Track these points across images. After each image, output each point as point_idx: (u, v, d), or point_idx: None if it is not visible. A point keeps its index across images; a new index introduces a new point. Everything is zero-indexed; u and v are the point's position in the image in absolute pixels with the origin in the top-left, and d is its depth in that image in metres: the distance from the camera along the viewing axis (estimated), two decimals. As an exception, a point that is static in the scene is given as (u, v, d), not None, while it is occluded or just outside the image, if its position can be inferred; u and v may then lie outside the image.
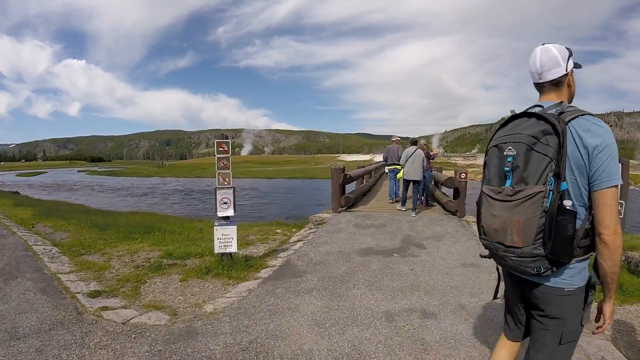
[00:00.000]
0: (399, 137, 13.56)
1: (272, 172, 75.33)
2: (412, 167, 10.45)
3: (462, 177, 10.84)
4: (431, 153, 12.38)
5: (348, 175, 11.23)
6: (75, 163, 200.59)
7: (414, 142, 11.12)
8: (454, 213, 10.72)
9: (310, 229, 9.06)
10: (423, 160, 10.44)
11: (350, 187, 13.78)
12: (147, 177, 66.75)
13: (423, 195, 12.29)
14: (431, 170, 12.55)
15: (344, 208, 11.12)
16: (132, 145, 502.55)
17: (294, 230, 9.70)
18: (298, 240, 7.90)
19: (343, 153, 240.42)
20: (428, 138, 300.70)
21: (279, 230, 9.84)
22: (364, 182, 17.38)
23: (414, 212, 10.65)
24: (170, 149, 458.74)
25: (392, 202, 12.72)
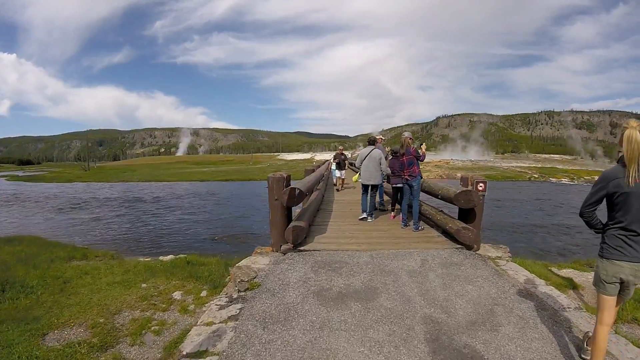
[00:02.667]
0: (381, 136, 11.22)
1: (207, 173, 70.94)
2: (367, 170, 9.38)
3: (481, 188, 7.01)
4: (420, 152, 8.73)
5: (297, 191, 6.76)
6: (2, 167, 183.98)
7: (372, 141, 9.81)
8: (468, 247, 6.90)
9: (231, 301, 4.80)
10: (380, 161, 9.27)
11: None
12: (68, 182, 59.20)
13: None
14: (420, 177, 8.60)
15: (291, 247, 6.75)
16: (64, 147, 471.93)
17: (203, 295, 5.96)
18: (197, 352, 3.63)
19: (283, 152, 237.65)
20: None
21: (178, 296, 6.03)
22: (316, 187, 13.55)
23: (370, 218, 9.60)
24: (103, 149, 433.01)
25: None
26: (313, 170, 13.81)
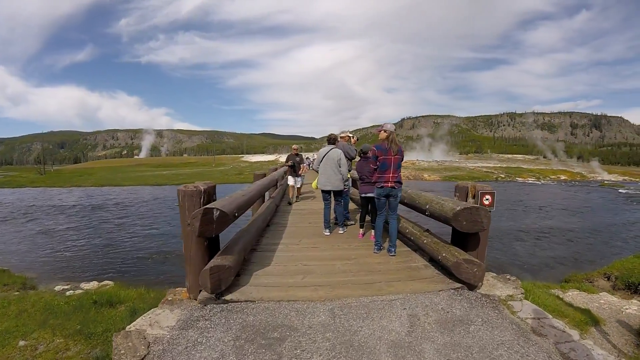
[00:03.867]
0: (349, 133, 9.70)
1: (166, 177, 67.89)
2: (324, 174, 8.02)
3: (487, 202, 5.14)
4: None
5: (217, 213, 4.31)
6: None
7: (332, 139, 8.43)
8: (470, 285, 4.96)
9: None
10: (340, 163, 7.89)
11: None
12: (20, 187, 54.90)
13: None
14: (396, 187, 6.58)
15: (212, 296, 4.49)
16: (24, 149, 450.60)
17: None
18: None
19: (247, 153, 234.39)
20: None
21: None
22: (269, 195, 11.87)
23: (342, 229, 8.26)
24: (64, 151, 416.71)
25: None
26: (264, 175, 11.45)
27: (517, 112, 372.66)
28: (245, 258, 5.72)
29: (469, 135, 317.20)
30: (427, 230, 6.26)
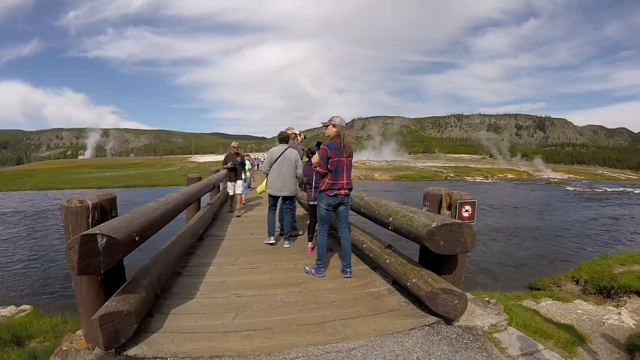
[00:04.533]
0: (296, 131, 8.35)
1: (109, 179, 64.26)
2: (278, 177, 6.94)
3: (467, 214, 4.10)
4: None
5: (103, 240, 2.91)
6: None
7: (284, 137, 7.46)
8: (448, 319, 3.93)
9: None
10: (297, 165, 7.00)
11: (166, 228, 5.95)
12: None
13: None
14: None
15: (112, 351, 3.21)
16: None
17: None
18: None
19: (196, 154, 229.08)
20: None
21: None
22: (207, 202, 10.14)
23: (288, 242, 7.18)
24: (7, 152, 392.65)
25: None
26: (199, 179, 9.98)
27: (464, 114, 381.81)
28: (164, 287, 4.49)
29: (418, 135, 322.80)
30: (390, 247, 5.20)
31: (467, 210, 4.13)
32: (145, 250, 6.48)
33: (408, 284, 4.20)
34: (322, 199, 5.23)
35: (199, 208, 9.93)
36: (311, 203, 6.50)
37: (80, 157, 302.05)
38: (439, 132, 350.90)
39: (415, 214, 4.11)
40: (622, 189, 57.87)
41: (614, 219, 25.91)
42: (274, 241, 7.14)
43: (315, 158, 5.21)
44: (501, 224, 21.63)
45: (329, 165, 5.01)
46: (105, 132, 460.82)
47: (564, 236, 18.61)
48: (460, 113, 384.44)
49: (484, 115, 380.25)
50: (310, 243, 6.83)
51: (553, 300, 8.80)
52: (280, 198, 7.25)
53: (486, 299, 4.97)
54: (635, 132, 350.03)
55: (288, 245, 7.11)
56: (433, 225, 3.64)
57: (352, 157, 5.23)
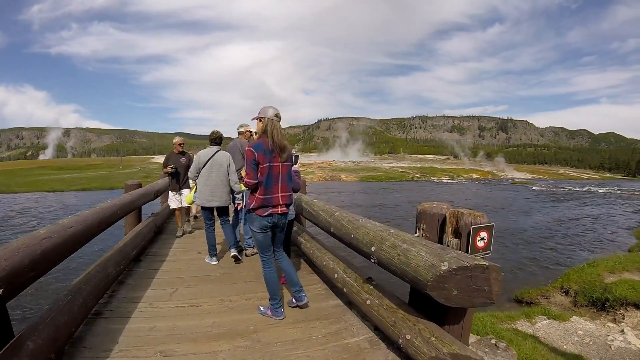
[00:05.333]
0: (251, 128, 7.18)
1: (66, 181, 60.95)
2: (207, 184, 5.90)
3: (482, 244, 2.81)
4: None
5: None
6: None
7: (215, 139, 6.33)
8: None
9: None
10: (229, 170, 6.04)
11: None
12: None
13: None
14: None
15: None
16: None
17: None
18: None
19: (160, 154, 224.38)
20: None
21: None
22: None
23: (236, 259, 6.08)
24: None
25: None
26: (139, 185, 8.40)
27: (428, 116, 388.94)
28: (72, 339, 3.10)
29: (383, 136, 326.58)
30: (370, 280, 3.86)
31: (482, 239, 2.90)
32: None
33: (400, 340, 2.89)
34: (253, 221, 3.96)
35: (139, 220, 8.38)
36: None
37: (42, 157, 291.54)
38: (404, 133, 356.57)
39: (412, 244, 2.76)
40: (587, 188, 59.26)
41: (592, 218, 25.66)
42: (216, 262, 6.06)
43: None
44: None
45: (259, 175, 3.80)
46: (67, 132, 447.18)
47: (544, 239, 17.80)
48: (425, 114, 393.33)
49: (448, 116, 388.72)
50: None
51: (548, 318, 7.97)
52: (214, 210, 6.16)
53: (493, 341, 3.90)
54: (596, 133, 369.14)
55: (235, 263, 6.05)
56: (443, 268, 2.34)
57: (291, 161, 4.04)
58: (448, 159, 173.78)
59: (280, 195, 3.90)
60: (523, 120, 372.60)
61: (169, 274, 5.54)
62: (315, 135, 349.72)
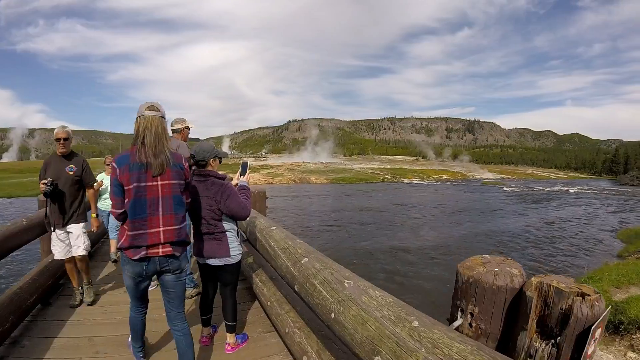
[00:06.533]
0: (190, 124, 5.36)
1: (25, 185, 57.71)
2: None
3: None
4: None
5: None
6: None
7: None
8: None
9: None
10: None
11: None
12: None
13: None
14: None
15: None
16: None
17: None
18: None
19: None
20: (219, 139, 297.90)
21: None
22: None
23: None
24: None
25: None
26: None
27: (397, 117, 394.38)
28: None
29: (352, 138, 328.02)
30: None
31: (596, 339, 1.41)
32: None
33: None
34: (124, 264, 2.79)
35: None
36: (200, 262, 3.58)
37: (5, 159, 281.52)
38: (373, 134, 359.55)
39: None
40: (557, 188, 59.66)
41: (573, 220, 25.16)
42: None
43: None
44: (457, 234, 19.54)
45: (126, 200, 2.65)
46: (31, 133, 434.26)
47: (531, 245, 16.78)
48: (394, 116, 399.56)
49: (416, 118, 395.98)
50: (205, 331, 3.71)
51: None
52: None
53: None
54: (561, 134, 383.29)
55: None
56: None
57: (179, 178, 2.77)
58: (417, 159, 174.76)
59: (162, 229, 2.68)
60: (489, 122, 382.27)
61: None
62: (284, 136, 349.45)
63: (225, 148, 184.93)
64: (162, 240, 2.67)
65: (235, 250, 3.39)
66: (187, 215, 3.25)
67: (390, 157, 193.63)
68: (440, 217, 25.22)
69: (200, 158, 3.32)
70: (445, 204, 32.36)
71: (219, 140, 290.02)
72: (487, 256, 1.75)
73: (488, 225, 22.59)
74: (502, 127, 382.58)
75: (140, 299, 3.00)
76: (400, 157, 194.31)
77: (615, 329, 7.75)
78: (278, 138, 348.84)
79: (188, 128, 5.17)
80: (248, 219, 3.96)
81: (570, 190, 53.54)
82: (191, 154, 3.32)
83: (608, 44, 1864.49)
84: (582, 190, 54.65)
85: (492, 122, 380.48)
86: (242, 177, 3.78)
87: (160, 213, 2.67)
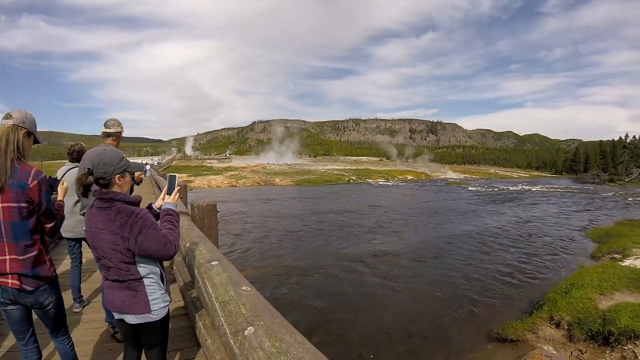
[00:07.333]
0: (115, 128, 4.41)
1: None
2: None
3: None
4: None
5: None
6: None
7: (72, 153, 4.95)
8: None
9: None
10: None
11: None
12: None
13: None
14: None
15: None
16: None
17: None
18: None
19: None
20: (182, 140, 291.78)
21: None
22: None
23: None
24: None
25: None
26: None
27: (361, 118, 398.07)
28: None
29: (317, 139, 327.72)
30: None
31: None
32: None
33: None
34: None
35: None
36: (115, 316, 2.62)
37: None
38: (337, 135, 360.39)
39: None
40: (520, 187, 60.59)
41: (540, 220, 25.09)
42: None
43: None
44: (439, 235, 19.05)
45: None
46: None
47: (503, 248, 16.23)
48: (358, 117, 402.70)
49: (380, 119, 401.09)
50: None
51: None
52: None
53: None
54: (521, 135, 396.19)
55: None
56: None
57: (14, 202, 2.29)
58: (381, 160, 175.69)
59: (8, 257, 2.30)
60: (452, 123, 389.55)
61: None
62: (249, 138, 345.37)
63: (188, 149, 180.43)
64: (7, 270, 2.29)
65: (158, 303, 2.41)
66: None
67: (355, 157, 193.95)
68: (418, 219, 24.81)
69: (101, 174, 2.35)
70: (418, 205, 32.03)
71: (182, 141, 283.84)
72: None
73: (467, 226, 22.35)
74: (465, 128, 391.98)
75: (19, 334, 2.49)
76: (365, 157, 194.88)
77: (605, 340, 7.28)
78: (243, 139, 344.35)
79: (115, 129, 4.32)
80: (187, 244, 2.99)
81: (533, 189, 54.45)
82: (88, 169, 2.36)
83: (569, 48, 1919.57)
84: (546, 189, 55.76)
85: (455, 124, 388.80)
86: (168, 196, 2.72)
87: (5, 239, 2.28)
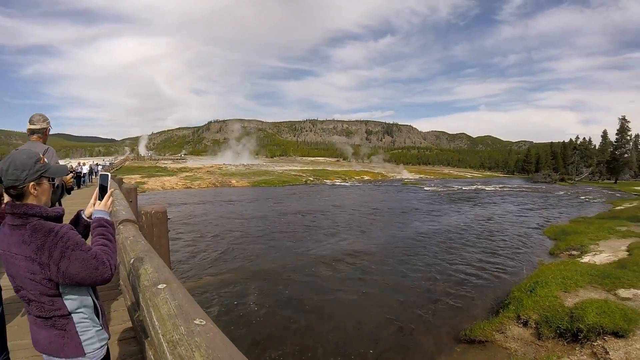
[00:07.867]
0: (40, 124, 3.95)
1: None
2: None
3: None
4: None
5: None
6: None
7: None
8: None
9: None
10: None
11: None
12: None
13: None
14: None
15: None
16: None
17: None
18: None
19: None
20: (135, 140, 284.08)
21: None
22: None
23: None
24: None
25: None
26: None
27: (318, 119, 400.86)
28: None
29: (274, 139, 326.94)
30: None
31: None
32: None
33: None
34: None
35: None
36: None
37: None
38: (295, 136, 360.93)
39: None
40: (475, 186, 61.91)
41: (496, 218, 25.43)
42: None
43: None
44: (405, 234, 18.96)
45: None
46: None
47: (462, 247, 16.22)
48: (315, 118, 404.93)
49: (337, 121, 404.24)
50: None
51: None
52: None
53: None
54: (474, 136, 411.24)
55: None
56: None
57: None
58: (338, 160, 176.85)
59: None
60: (407, 125, 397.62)
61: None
62: (205, 137, 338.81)
63: (142, 149, 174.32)
64: None
65: (93, 343, 1.90)
66: None
67: (312, 158, 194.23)
68: (381, 219, 24.71)
69: (11, 182, 1.78)
70: (378, 206, 31.94)
71: (136, 141, 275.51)
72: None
73: (430, 224, 22.41)
74: (420, 130, 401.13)
75: None
76: (322, 158, 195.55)
77: (574, 337, 7.21)
78: (198, 139, 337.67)
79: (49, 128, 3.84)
80: (132, 261, 2.43)
81: (487, 189, 55.80)
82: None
83: (523, 55, 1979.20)
84: (500, 188, 57.45)
85: (410, 125, 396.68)
86: (99, 202, 2.07)
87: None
